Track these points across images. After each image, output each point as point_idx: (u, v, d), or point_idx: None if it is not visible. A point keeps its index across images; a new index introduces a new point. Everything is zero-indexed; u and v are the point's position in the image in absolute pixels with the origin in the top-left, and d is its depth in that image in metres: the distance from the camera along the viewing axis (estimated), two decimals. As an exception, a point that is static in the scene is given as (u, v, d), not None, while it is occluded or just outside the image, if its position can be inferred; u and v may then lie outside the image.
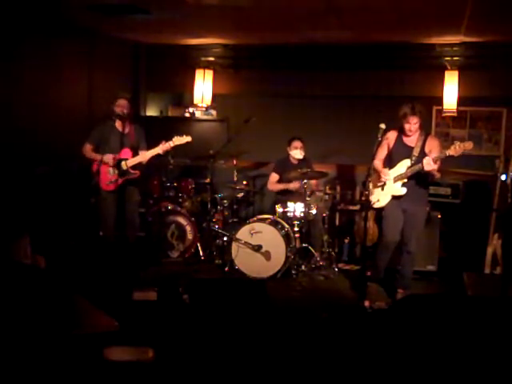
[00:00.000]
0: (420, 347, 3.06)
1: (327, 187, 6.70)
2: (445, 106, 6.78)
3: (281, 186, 6.57)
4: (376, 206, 5.18)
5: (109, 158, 5.52)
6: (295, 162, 6.53)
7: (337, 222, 6.89)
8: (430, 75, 6.91)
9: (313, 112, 7.28)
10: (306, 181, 6.13)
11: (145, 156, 5.64)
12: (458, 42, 6.55)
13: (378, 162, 5.19)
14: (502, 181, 5.88)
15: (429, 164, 4.77)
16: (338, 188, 6.95)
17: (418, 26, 5.91)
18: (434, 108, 7.06)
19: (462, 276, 5.20)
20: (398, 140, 5.11)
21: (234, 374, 3.46)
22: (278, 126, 7.21)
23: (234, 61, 7.57)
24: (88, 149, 5.60)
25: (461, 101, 6.74)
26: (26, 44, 5.70)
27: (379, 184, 5.17)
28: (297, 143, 6.50)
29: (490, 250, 5.81)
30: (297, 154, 6.50)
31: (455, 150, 4.73)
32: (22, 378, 2.48)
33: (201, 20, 6.01)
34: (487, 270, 5.76)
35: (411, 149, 5.03)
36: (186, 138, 5.66)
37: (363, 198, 4.93)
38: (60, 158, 6.03)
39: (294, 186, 6.41)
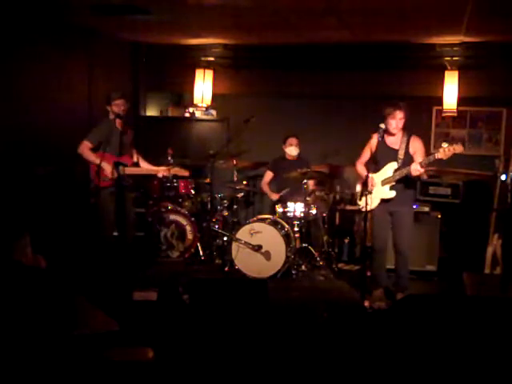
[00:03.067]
0: (420, 347, 3.07)
1: (327, 187, 6.71)
2: (445, 106, 6.78)
3: (267, 191, 6.74)
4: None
5: (107, 166, 5.38)
6: (291, 158, 6.60)
7: (337, 222, 6.89)
8: (430, 75, 6.91)
9: (313, 112, 7.28)
10: (305, 181, 6.15)
11: (142, 171, 5.72)
12: (457, 42, 6.55)
13: (361, 167, 5.21)
14: (502, 181, 5.87)
15: (416, 170, 4.75)
16: (338, 188, 6.95)
17: (418, 26, 5.91)
18: (434, 108, 7.06)
19: (462, 276, 5.19)
20: (381, 143, 5.01)
21: (234, 374, 3.46)
22: (277, 126, 7.20)
23: (234, 61, 7.56)
24: (86, 147, 5.46)
25: (461, 101, 6.74)
26: (26, 44, 5.70)
27: (368, 190, 5.00)
28: (292, 140, 6.58)
29: (490, 250, 5.80)
30: (292, 150, 6.57)
31: (444, 153, 4.67)
32: (22, 378, 2.48)
33: (201, 20, 6.01)
34: (487, 270, 5.75)
35: (396, 151, 4.99)
36: (185, 173, 5.81)
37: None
38: (60, 158, 6.03)
39: (274, 197, 6.57)
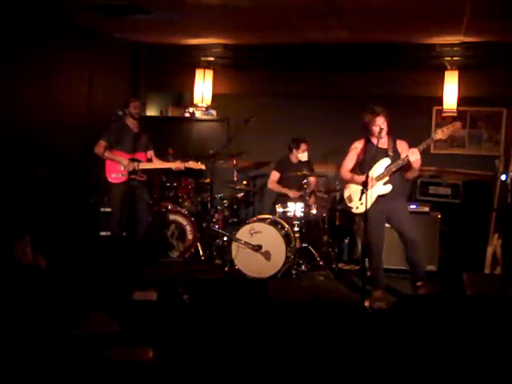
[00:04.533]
0: (420, 347, 3.07)
1: (327, 187, 6.71)
2: (445, 106, 6.78)
3: (281, 189, 6.58)
4: (359, 210, 5.10)
5: (122, 160, 5.72)
6: (296, 161, 6.56)
7: (337, 222, 6.89)
8: (429, 75, 6.91)
9: (313, 112, 7.27)
10: (305, 181, 6.16)
11: (156, 165, 5.92)
12: (457, 42, 6.55)
13: (348, 174, 5.20)
14: (502, 181, 5.87)
15: (413, 153, 4.81)
16: (338, 188, 6.94)
17: (418, 26, 5.91)
18: (434, 108, 7.06)
19: (462, 276, 5.19)
20: (369, 145, 5.09)
21: (234, 374, 3.47)
22: (277, 126, 7.21)
23: (234, 61, 7.56)
24: (102, 146, 5.70)
25: (461, 101, 6.74)
26: (26, 44, 5.70)
27: (367, 189, 4.94)
28: (304, 145, 6.54)
29: (490, 250, 5.80)
30: (304, 156, 6.56)
31: (443, 133, 4.74)
32: (22, 378, 2.48)
33: (201, 20, 6.01)
34: (487, 270, 5.75)
35: (385, 150, 5.06)
36: (201, 166, 5.92)
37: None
38: (60, 158, 6.03)
39: (293, 194, 6.42)
